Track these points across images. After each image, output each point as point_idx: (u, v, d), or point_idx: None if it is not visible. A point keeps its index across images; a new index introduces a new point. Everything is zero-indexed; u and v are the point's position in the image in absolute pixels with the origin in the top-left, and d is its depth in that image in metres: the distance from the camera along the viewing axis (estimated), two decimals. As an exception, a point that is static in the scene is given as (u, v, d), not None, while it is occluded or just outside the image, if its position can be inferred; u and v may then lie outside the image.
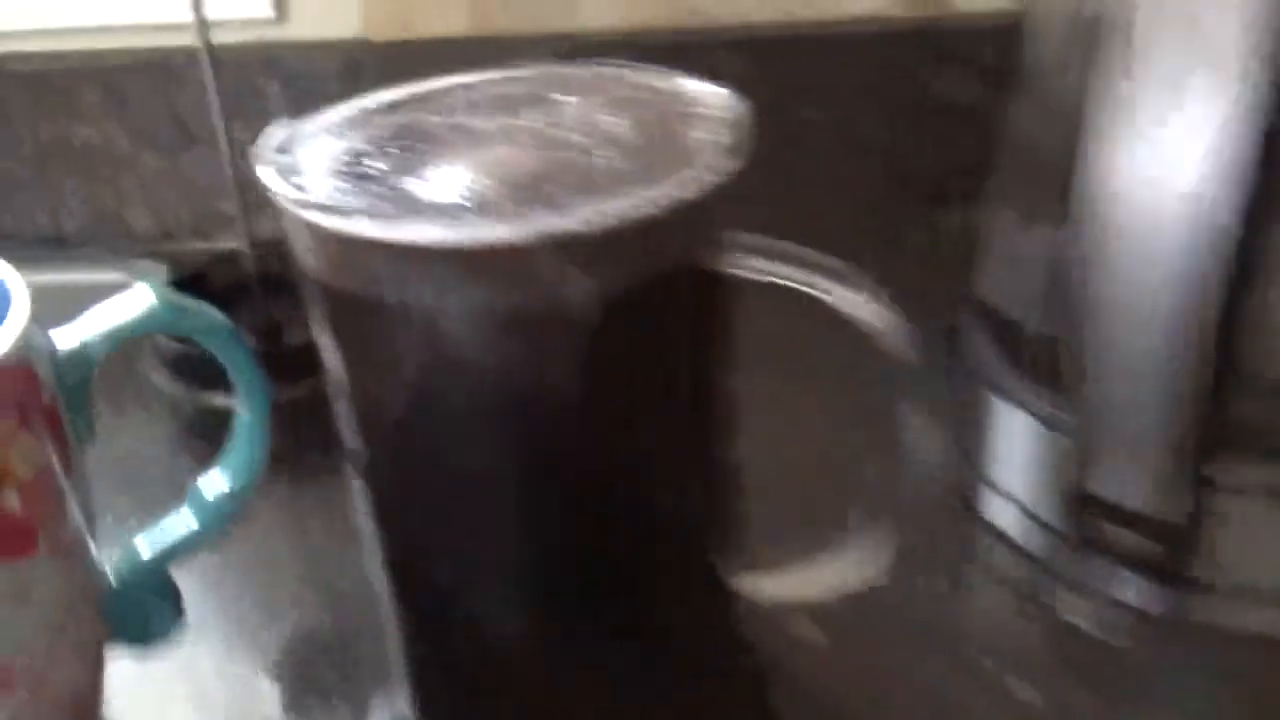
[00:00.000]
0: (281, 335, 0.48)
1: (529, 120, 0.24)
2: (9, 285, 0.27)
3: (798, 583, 0.28)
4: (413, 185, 0.22)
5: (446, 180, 0.21)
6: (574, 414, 0.22)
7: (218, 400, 0.46)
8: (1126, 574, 0.32)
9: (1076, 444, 0.32)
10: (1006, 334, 0.36)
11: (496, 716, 0.28)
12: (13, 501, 0.24)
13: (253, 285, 0.48)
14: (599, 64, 0.26)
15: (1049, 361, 0.34)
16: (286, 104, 0.58)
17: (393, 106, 0.26)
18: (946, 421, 0.41)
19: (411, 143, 0.23)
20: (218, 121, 0.46)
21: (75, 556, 0.27)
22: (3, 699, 0.25)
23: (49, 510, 0.26)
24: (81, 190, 0.64)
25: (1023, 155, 0.37)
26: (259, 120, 0.58)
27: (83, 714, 0.29)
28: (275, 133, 0.24)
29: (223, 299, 0.51)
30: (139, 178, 0.64)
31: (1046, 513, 0.35)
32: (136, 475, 0.45)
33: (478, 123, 0.24)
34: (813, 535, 0.30)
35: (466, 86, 0.27)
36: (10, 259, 0.59)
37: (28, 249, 0.65)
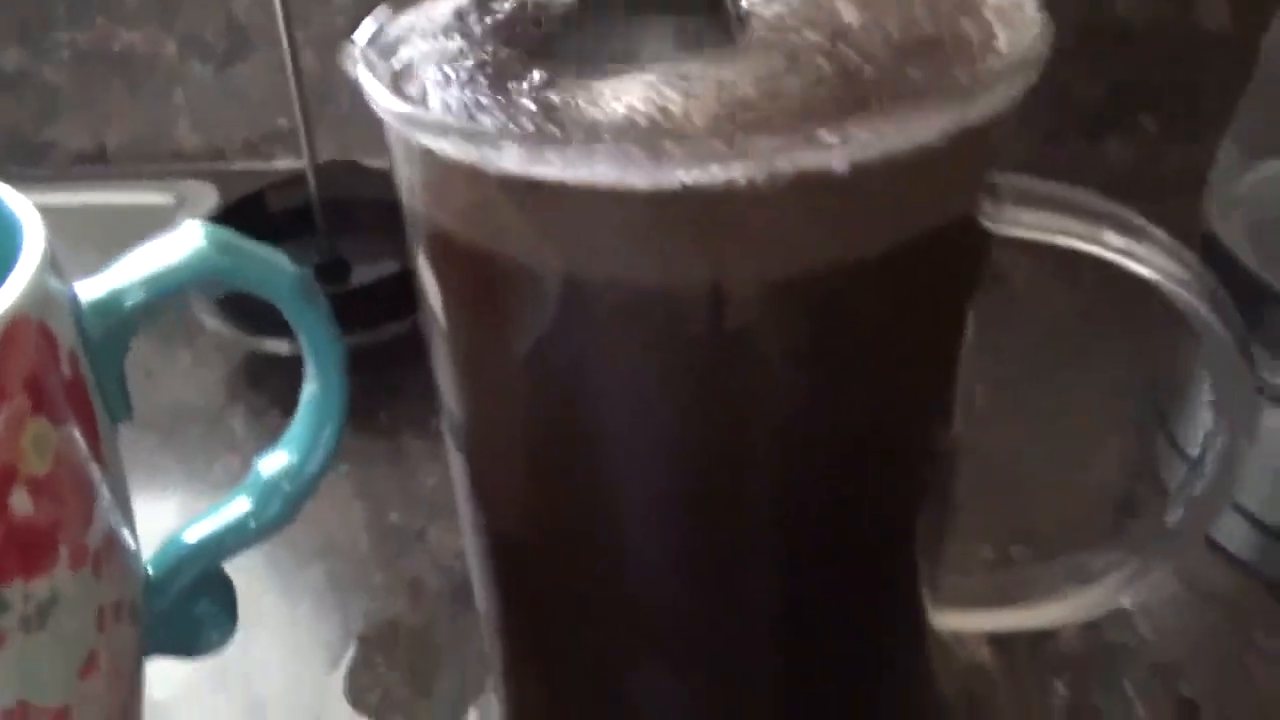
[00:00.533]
0: (348, 273, 0.42)
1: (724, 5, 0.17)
2: (20, 217, 0.21)
3: (1014, 619, 0.22)
4: (573, 99, 0.15)
5: (618, 92, 0.15)
6: (782, 420, 0.16)
7: (274, 346, 0.40)
8: None
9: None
10: (1244, 295, 0.29)
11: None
12: (24, 504, 0.19)
13: (315, 213, 0.42)
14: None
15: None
16: (356, 7, 0.52)
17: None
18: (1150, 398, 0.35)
19: (560, 38, 0.17)
20: (280, 21, 0.39)
21: (107, 566, 0.21)
22: (17, 744, 0.20)
23: (72, 511, 0.20)
24: (124, 103, 0.58)
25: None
26: (324, 25, 0.51)
27: (118, 742, 0.24)
28: (373, 25, 0.18)
29: (279, 228, 0.45)
30: (188, 89, 0.58)
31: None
32: (179, 429, 0.40)
33: (646, 10, 0.17)
34: (1044, 565, 0.24)
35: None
36: (46, 178, 0.53)
37: (65, 167, 0.59)
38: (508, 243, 0.15)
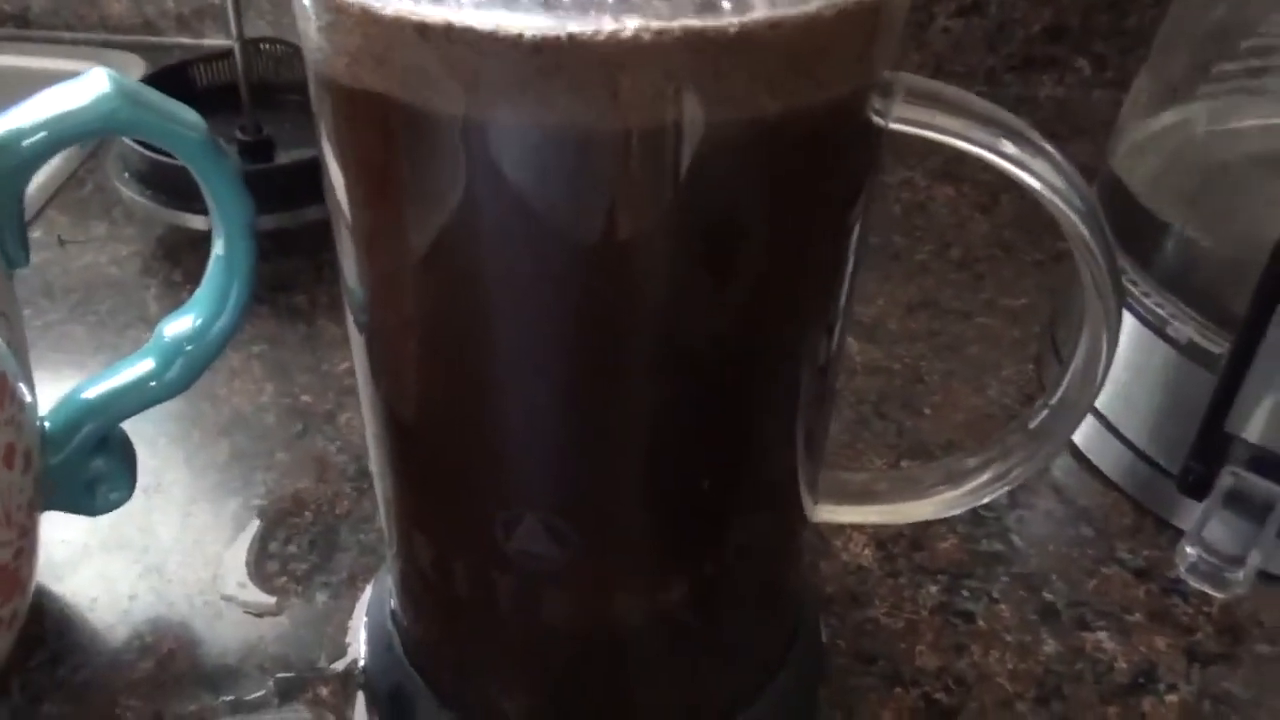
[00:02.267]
0: (273, 151, 0.41)
1: None
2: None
3: (881, 514, 0.23)
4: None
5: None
6: (671, 280, 0.16)
7: (192, 221, 0.40)
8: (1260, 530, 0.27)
9: (1223, 380, 0.26)
10: (1141, 233, 0.30)
11: (500, 632, 0.23)
12: (-90, 335, 0.19)
13: (241, 90, 0.41)
14: None
15: (1198, 277, 0.28)
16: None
17: None
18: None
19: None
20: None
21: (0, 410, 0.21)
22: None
23: (-38, 348, 0.20)
24: (50, -37, 0.56)
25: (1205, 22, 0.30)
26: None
27: (8, 589, 0.24)
28: None
29: (205, 103, 0.44)
30: (117, -46, 0.56)
31: (1157, 451, 0.30)
32: (91, 299, 0.39)
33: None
34: (919, 466, 0.25)
35: None
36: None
37: (-14, 26, 0.57)
38: (398, 87, 0.15)
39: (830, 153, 0.16)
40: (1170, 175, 0.33)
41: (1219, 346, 0.27)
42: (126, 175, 0.41)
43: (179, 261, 0.42)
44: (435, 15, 0.13)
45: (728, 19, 0.13)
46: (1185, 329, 0.28)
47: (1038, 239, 0.42)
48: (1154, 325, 0.29)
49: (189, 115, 0.23)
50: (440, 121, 0.15)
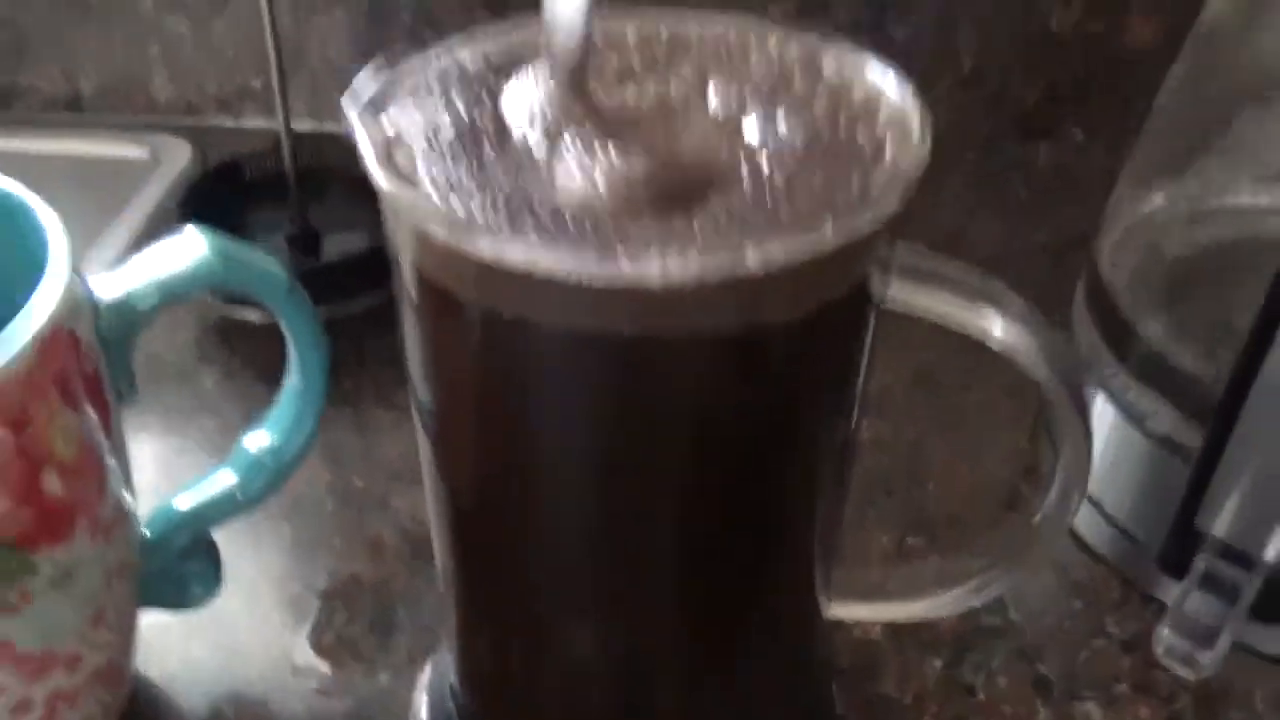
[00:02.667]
0: (318, 245, 0.44)
1: (678, 91, 0.20)
2: (45, 225, 0.24)
3: (895, 611, 0.26)
4: (540, 182, 0.18)
5: (585, 171, 0.18)
6: (694, 447, 0.20)
7: (248, 314, 0.43)
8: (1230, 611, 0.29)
9: (1193, 475, 0.29)
10: (1123, 327, 0.33)
11: (550, 710, 0.26)
12: (54, 485, 0.22)
13: (290, 188, 0.44)
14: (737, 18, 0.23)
15: (1173, 371, 0.31)
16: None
17: (509, 54, 0.22)
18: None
19: (536, 114, 0.20)
20: None
21: (115, 534, 0.25)
22: (41, 682, 0.23)
23: (90, 488, 0.23)
24: (99, 51, 0.59)
25: (1185, 123, 0.33)
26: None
27: (114, 681, 0.27)
28: (368, 83, 0.20)
29: (253, 194, 0.47)
30: (163, 41, 0.59)
31: (1138, 529, 0.33)
32: (155, 388, 0.42)
33: (624, 92, 0.20)
34: (922, 565, 0.28)
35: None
36: (23, 121, 0.54)
37: (42, 111, 0.60)
38: (478, 293, 0.18)
39: (837, 333, 0.20)
40: (1150, 270, 0.35)
41: (1193, 440, 0.30)
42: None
43: (235, 349, 0.45)
44: (515, 259, 0.17)
45: (756, 260, 0.16)
46: (1162, 422, 0.31)
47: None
48: (1133, 417, 0.32)
49: (273, 268, 0.26)
50: (506, 320, 0.18)
